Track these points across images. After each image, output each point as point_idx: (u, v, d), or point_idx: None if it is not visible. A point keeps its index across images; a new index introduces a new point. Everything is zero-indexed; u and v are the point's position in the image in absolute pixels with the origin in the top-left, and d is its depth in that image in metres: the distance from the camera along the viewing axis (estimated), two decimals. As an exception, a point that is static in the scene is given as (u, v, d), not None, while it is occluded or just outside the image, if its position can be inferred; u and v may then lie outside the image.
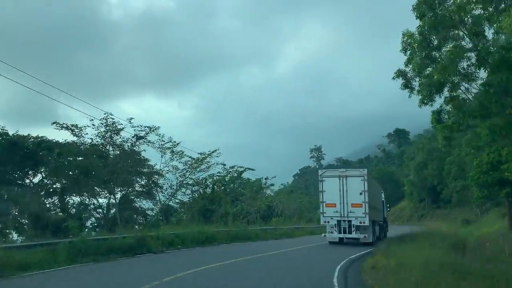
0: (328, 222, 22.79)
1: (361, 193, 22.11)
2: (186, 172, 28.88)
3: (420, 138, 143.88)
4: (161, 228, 21.68)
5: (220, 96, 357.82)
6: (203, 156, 28.96)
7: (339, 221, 22.48)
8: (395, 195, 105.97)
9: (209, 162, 29.48)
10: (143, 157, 27.67)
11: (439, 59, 16.74)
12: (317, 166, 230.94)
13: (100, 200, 28.40)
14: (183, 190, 30.79)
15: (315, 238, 30.80)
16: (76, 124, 24.10)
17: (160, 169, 28.07)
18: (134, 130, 25.44)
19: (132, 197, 30.89)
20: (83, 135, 24.26)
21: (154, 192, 29.52)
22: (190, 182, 30.60)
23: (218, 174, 32.50)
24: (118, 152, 25.63)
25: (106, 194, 28.17)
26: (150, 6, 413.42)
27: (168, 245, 19.04)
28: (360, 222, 22.05)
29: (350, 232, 22.30)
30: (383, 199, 31.62)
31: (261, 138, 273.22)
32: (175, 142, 27.28)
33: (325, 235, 23.52)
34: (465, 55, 16.75)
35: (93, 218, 29.69)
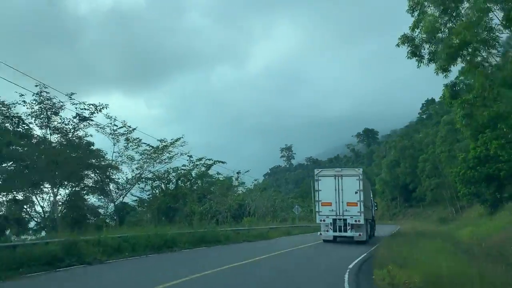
0: (324, 220, 22.70)
1: (356, 192, 22.14)
2: (144, 163, 24.28)
3: (389, 138, 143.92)
4: (104, 230, 17.01)
5: (190, 95, 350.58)
6: (164, 144, 24.37)
7: (334, 220, 22.39)
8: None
9: (171, 152, 24.97)
10: (92, 146, 22.92)
11: (461, 15, 13.17)
12: (287, 166, 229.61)
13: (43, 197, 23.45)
14: (141, 185, 26.17)
15: (295, 239, 26.97)
16: (3, 101, 19.07)
17: (112, 160, 23.33)
18: (76, 108, 20.62)
19: (83, 195, 26.09)
20: (11, 114, 19.19)
21: (106, 188, 24.78)
22: (149, 176, 26.01)
23: (183, 167, 28.07)
24: (59, 138, 20.72)
25: (48, 190, 23.27)
26: (119, 2, 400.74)
27: (113, 252, 14.57)
28: (355, 221, 22.05)
29: (345, 231, 22.26)
30: (371, 197, 30.92)
31: (231, 138, 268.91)
32: (129, 127, 22.69)
33: (320, 234, 23.50)
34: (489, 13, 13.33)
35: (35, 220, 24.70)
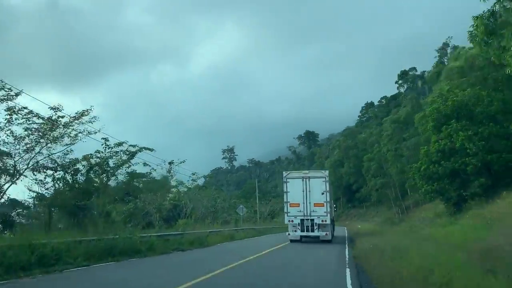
0: (292, 221, 23.06)
1: (323, 193, 22.70)
2: (36, 144, 17.12)
3: (328, 141, 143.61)
4: None
5: (129, 94, 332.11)
6: (59, 114, 17.21)
7: (302, 220, 22.79)
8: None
9: (77, 130, 17.96)
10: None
11: None
12: (229, 167, 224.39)
13: None
14: (40, 176, 18.93)
15: (242, 246, 21.27)
16: None
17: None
18: None
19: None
20: None
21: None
22: (48, 164, 18.83)
23: (98, 154, 21.07)
24: None
25: None
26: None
27: None
28: (322, 221, 22.59)
29: (312, 230, 22.73)
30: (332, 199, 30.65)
31: (172, 139, 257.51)
32: (9, 89, 15.46)
33: (289, 234, 23.70)
34: None
35: None
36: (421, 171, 31.26)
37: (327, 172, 24.06)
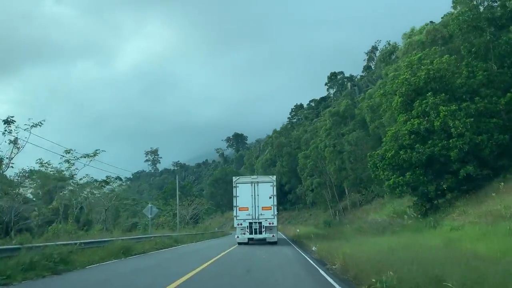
0: (241, 224, 23.51)
1: (270, 197, 23.37)
2: None
3: (257, 145, 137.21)
4: None
5: (45, 91, 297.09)
6: None
7: (250, 223, 23.26)
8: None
9: None
10: None
11: None
12: (152, 170, 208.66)
13: None
14: None
15: (129, 270, 11.49)
16: None
17: None
18: None
19: None
20: None
21: None
22: None
23: None
24: None
25: None
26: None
27: None
28: (269, 223, 23.32)
29: (260, 233, 23.24)
30: None
31: (92, 140, 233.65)
32: None
33: (238, 237, 23.85)
34: None
35: None
36: (386, 158, 23.97)
37: (274, 177, 24.91)
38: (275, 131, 72.29)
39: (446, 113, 21.23)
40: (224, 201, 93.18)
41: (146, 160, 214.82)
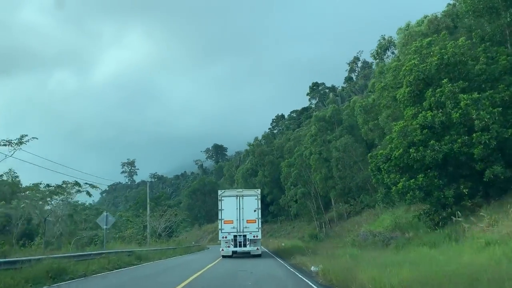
0: (226, 237, 23.61)
1: (255, 210, 23.85)
2: None
3: (237, 155, 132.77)
4: None
5: (20, 101, 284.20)
6: None
7: (235, 236, 23.47)
8: (215, 209, 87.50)
9: None
10: None
11: None
12: (129, 182, 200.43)
13: None
14: None
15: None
16: None
17: None
18: None
19: None
20: None
21: None
22: None
23: None
24: None
25: None
26: None
27: None
28: (254, 236, 23.66)
29: (245, 246, 23.36)
30: None
31: (68, 151, 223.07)
32: None
33: (222, 250, 23.84)
34: None
35: None
36: (392, 159, 19.92)
37: (259, 191, 25.84)
38: (256, 139, 68.00)
39: (468, 102, 17.39)
40: (202, 213, 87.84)
41: (123, 172, 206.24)
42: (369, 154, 23.20)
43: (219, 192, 25.28)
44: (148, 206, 36.46)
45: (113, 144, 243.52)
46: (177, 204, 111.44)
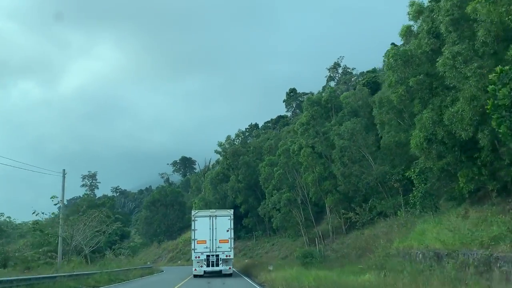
0: (199, 257, 23.75)
1: (227, 230, 24.51)
2: None
3: (208, 171, 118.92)
4: None
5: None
6: None
7: (208, 256, 23.76)
8: (178, 223, 72.66)
9: None
10: None
11: None
12: (92, 195, 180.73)
13: None
14: None
15: None
16: None
17: None
18: None
19: None
20: None
21: None
22: None
23: None
24: None
25: None
26: None
27: None
28: (226, 256, 24.19)
29: (217, 265, 23.86)
30: None
31: (31, 164, 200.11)
32: None
33: (195, 269, 23.90)
34: None
35: None
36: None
37: (232, 211, 26.50)
38: (228, 137, 54.93)
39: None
40: (162, 229, 72.80)
41: (83, 185, 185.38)
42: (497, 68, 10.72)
43: (193, 212, 25.47)
44: (61, 206, 22.51)
45: (79, 158, 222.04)
46: (136, 221, 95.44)
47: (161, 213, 72.81)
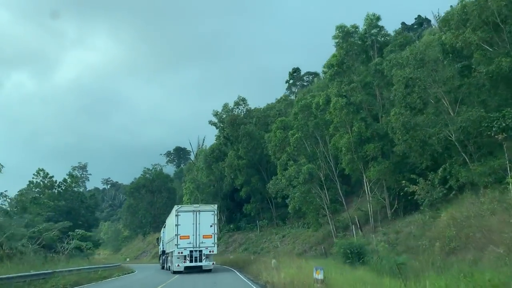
0: (182, 252, 22.61)
1: (211, 226, 22.98)
2: None
3: (199, 149, 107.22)
4: None
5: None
6: None
7: (191, 251, 22.54)
8: (167, 213, 60.90)
9: None
10: None
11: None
12: (81, 189, 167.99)
13: None
14: None
15: None
16: None
17: None
18: None
19: None
20: None
21: None
22: None
23: None
24: None
25: None
26: None
27: None
28: (210, 251, 22.82)
29: (200, 261, 22.70)
30: None
31: (25, 157, 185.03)
32: None
33: (178, 265, 22.82)
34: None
35: None
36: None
37: (216, 206, 24.46)
38: (226, 105, 43.07)
39: None
40: (147, 219, 61.00)
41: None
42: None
43: (176, 207, 24.04)
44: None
45: (73, 151, 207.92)
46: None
47: (146, 200, 61.04)
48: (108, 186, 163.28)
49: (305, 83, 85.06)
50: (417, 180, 21.14)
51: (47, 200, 36.07)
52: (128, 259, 50.82)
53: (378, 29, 25.86)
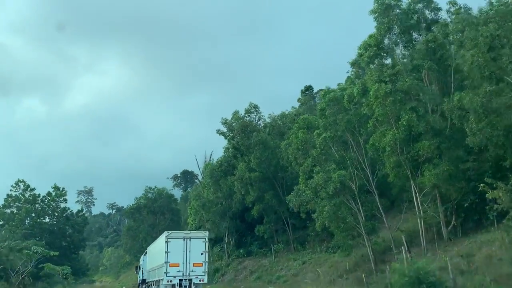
0: (171, 281, 21.40)
1: (202, 253, 22.05)
2: None
3: (205, 164, 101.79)
4: None
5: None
6: None
7: (181, 280, 21.29)
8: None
9: None
10: None
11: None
12: (86, 214, 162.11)
13: None
14: None
15: None
16: None
17: None
18: None
19: None
20: None
21: None
22: None
23: None
24: None
25: None
26: None
27: None
28: (200, 280, 21.74)
29: None
30: None
31: (35, 182, 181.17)
32: None
33: None
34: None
35: None
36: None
37: (207, 233, 23.70)
38: (236, 113, 38.07)
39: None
40: (149, 243, 54.77)
41: (78, 202, 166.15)
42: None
43: (165, 233, 22.53)
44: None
45: (83, 177, 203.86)
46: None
47: (148, 222, 55.11)
48: (114, 211, 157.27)
49: (318, 101, 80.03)
50: (494, 185, 15.51)
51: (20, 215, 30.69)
52: (124, 287, 44.72)
53: (425, 2, 20.87)
